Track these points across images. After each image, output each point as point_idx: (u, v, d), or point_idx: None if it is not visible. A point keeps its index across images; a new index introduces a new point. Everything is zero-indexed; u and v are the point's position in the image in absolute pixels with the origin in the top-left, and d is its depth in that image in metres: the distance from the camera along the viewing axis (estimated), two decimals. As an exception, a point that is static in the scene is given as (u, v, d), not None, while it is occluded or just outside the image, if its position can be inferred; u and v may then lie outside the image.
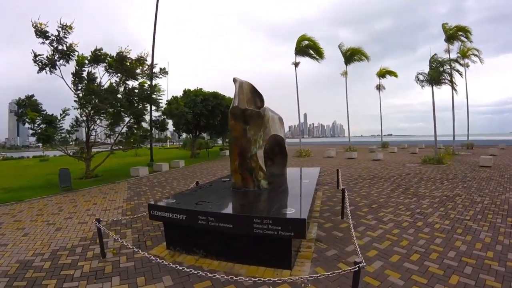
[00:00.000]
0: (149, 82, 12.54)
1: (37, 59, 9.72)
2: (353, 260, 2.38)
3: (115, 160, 21.37)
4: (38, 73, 9.78)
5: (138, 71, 11.56)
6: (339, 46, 23.61)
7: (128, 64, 10.78)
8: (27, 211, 6.81)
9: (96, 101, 10.37)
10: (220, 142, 48.07)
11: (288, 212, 3.28)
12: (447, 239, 4.01)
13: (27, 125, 9.61)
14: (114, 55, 10.98)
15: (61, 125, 10.67)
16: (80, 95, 10.58)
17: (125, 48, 11.04)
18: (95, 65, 10.91)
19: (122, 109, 11.89)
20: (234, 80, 4.50)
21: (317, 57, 19.98)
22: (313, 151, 24.02)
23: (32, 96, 9.55)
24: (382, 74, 29.22)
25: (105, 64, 10.92)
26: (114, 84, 11.36)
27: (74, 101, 10.67)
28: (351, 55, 23.13)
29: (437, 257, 3.47)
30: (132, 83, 11.84)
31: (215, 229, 3.43)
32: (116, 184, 10.44)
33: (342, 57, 23.53)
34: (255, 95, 4.43)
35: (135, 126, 12.83)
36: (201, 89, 22.57)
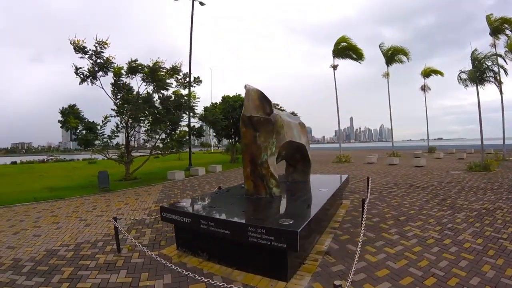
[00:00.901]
0: (182, 91, 13.29)
1: (78, 71, 10.98)
2: (352, 279, 2.30)
3: (157, 164, 22.82)
4: (80, 84, 11.06)
5: (170, 80, 12.38)
6: (379, 46, 22.85)
7: (159, 75, 11.59)
8: (65, 208, 7.65)
9: (131, 109, 11.30)
10: None
11: (286, 222, 3.21)
12: (474, 262, 3.57)
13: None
14: (151, 65, 11.94)
15: (103, 130, 11.86)
16: (119, 103, 11.65)
17: (155, 60, 11.98)
18: (132, 75, 11.93)
19: (159, 116, 12.78)
20: (245, 87, 4.63)
21: (357, 58, 19.55)
22: (354, 157, 23.32)
23: (74, 105, 10.85)
24: (427, 73, 27.52)
25: (142, 74, 11.88)
26: (149, 93, 12.28)
27: (112, 109, 11.78)
28: (393, 55, 22.29)
29: (456, 284, 3.09)
30: (166, 92, 12.68)
31: (215, 234, 3.53)
32: (151, 187, 11.17)
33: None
34: (264, 102, 4.46)
35: (171, 132, 13.66)
36: (239, 94, 23.22)
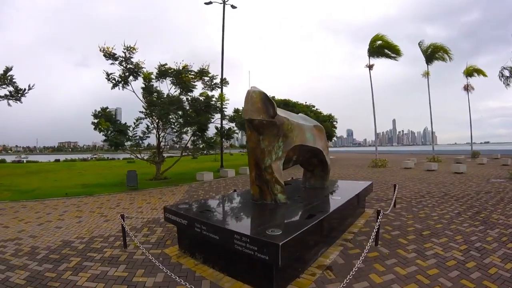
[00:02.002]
0: (209, 93, 13.79)
1: (110, 77, 11.89)
2: None
3: (192, 165, 23.79)
4: (112, 89, 11.97)
5: (197, 83, 12.89)
6: (419, 44, 21.91)
7: (184, 77, 12.14)
8: (91, 204, 8.35)
9: (157, 111, 11.98)
10: None
11: (272, 233, 3.12)
12: (497, 294, 3.20)
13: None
14: (180, 69, 12.58)
15: (135, 132, 12.73)
16: (145, 106, 12.43)
17: (180, 63, 12.62)
18: (162, 79, 12.65)
19: (188, 119, 13.37)
20: (248, 92, 4.63)
21: (394, 55, 18.99)
22: (392, 161, 22.42)
23: (106, 108, 11.80)
24: (470, 73, 25.74)
25: (171, 78, 12.55)
26: (175, 96, 12.92)
27: (140, 111, 12.59)
28: (433, 53, 21.34)
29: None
30: (194, 94, 13.27)
31: (207, 239, 3.62)
32: (178, 187, 11.72)
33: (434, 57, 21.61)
34: (267, 104, 4.38)
35: (199, 134, 14.21)
36: (273, 97, 23.57)
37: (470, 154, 27.97)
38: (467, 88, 26.56)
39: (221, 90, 14.96)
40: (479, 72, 25.78)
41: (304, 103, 34.40)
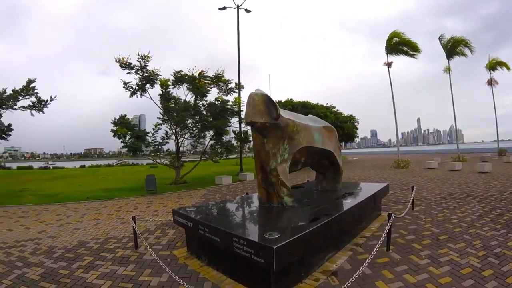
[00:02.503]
0: (225, 97, 14.11)
1: (127, 86, 12.47)
2: None
3: (213, 169, 24.18)
4: (130, 97, 12.56)
5: (212, 88, 13.22)
6: (439, 38, 21.35)
7: (197, 82, 12.49)
8: (110, 207, 8.76)
9: (173, 117, 12.40)
10: None
11: (270, 236, 3.14)
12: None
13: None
14: (196, 75, 12.98)
15: (154, 137, 13.25)
16: (161, 112, 12.90)
17: (193, 68, 13.03)
18: (179, 85, 13.08)
19: (205, 123, 13.71)
20: (250, 95, 4.70)
21: (413, 52, 18.62)
22: (415, 161, 21.69)
23: (125, 115, 12.39)
24: (492, 66, 24.59)
25: (187, 84, 12.97)
26: (190, 101, 13.31)
27: (157, 117, 13.09)
28: (453, 47, 20.78)
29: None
30: (209, 99, 13.62)
31: (210, 241, 3.72)
32: (195, 191, 12.01)
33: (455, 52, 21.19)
34: (269, 106, 4.40)
35: (217, 138, 14.52)
36: (291, 99, 23.77)
37: (496, 152, 26.76)
38: (490, 82, 25.50)
39: (239, 94, 15.25)
40: (503, 65, 24.78)
41: (325, 105, 34.15)
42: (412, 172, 15.86)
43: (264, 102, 4.42)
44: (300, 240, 3.22)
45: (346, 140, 38.07)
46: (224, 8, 16.24)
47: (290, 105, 22.58)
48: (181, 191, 11.91)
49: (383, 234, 4.42)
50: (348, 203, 5.00)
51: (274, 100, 4.49)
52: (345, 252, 4.49)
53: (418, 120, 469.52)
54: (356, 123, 36.71)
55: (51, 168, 43.82)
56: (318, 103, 27.43)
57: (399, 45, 18.63)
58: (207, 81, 13.19)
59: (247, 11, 16.53)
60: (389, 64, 19.31)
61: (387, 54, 19.23)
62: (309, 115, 6.66)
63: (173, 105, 12.96)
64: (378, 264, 4.06)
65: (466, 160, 20.92)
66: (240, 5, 16.15)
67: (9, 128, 12.32)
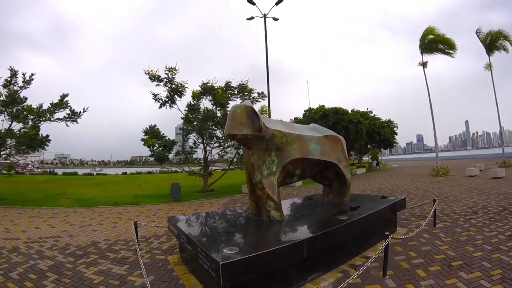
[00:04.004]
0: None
1: (156, 97, 13.61)
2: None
3: (243, 177, 24.89)
4: (159, 108, 13.71)
5: (237, 97, 13.94)
6: (476, 33, 20.49)
7: (216, 92, 13.23)
8: (132, 212, 9.69)
9: (195, 126, 13.26)
10: (366, 158, 49.17)
11: (228, 251, 3.28)
12: None
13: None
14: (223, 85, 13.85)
15: (185, 147, 14.26)
16: (182, 123, 13.86)
17: (213, 79, 13.80)
18: (206, 96, 13.99)
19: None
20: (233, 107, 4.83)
21: (448, 50, 17.94)
22: (456, 168, 20.28)
23: (155, 126, 13.62)
24: None
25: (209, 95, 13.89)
26: (212, 111, 14.09)
27: (180, 128, 14.09)
28: (493, 41, 20.01)
29: None
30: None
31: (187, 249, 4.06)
32: (218, 199, 12.62)
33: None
34: (253, 118, 4.51)
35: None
36: (323, 105, 23.89)
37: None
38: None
39: (268, 102, 15.78)
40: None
41: (366, 110, 33.58)
42: (450, 180, 14.97)
43: (247, 114, 4.54)
44: (258, 259, 3.27)
45: (385, 146, 36.69)
46: (252, 18, 16.99)
47: (321, 111, 22.62)
48: (204, 199, 12.56)
49: (388, 256, 4.23)
50: (346, 219, 4.85)
51: (257, 112, 4.67)
52: (334, 274, 4.37)
53: (466, 122, 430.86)
54: (395, 128, 35.39)
55: (95, 174, 48.14)
56: (354, 109, 27.45)
57: (434, 42, 18.05)
58: (231, 91, 13.96)
59: (275, 19, 17.09)
60: (424, 64, 18.65)
61: (421, 53, 18.67)
62: (312, 124, 6.54)
63: (192, 115, 13.84)
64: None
65: (513, 166, 19.10)
66: (267, 14, 16.81)
67: (47, 138, 14.18)
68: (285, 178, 5.27)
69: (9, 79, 13.43)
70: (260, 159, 4.74)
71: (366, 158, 49.40)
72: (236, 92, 14.27)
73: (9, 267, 4.66)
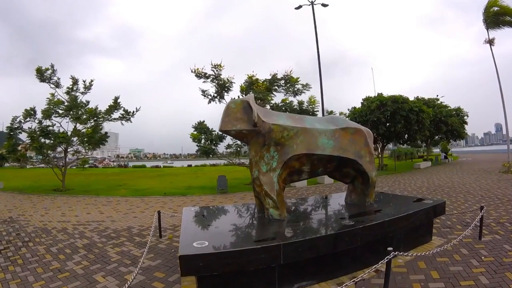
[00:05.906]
0: (292, 98, 15.18)
1: (205, 93, 14.62)
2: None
3: None
4: (208, 104, 14.68)
5: (282, 89, 14.20)
6: None
7: (256, 86, 13.54)
8: (176, 202, 10.92)
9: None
10: (436, 150, 46.79)
11: (197, 244, 3.56)
12: None
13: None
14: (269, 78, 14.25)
15: (235, 141, 15.16)
16: None
17: (252, 72, 14.05)
18: (252, 89, 14.55)
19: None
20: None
21: None
22: None
23: (203, 121, 14.74)
24: None
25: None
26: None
27: None
28: None
29: None
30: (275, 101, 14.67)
31: None
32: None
33: None
34: (249, 112, 4.52)
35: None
36: (381, 93, 23.12)
37: None
38: None
39: (321, 92, 15.65)
40: None
41: (436, 97, 31.23)
42: (519, 179, 12.83)
43: (243, 109, 4.59)
44: (219, 257, 3.45)
45: (453, 137, 33.45)
46: (300, 7, 16.84)
47: (378, 100, 21.51)
48: (249, 192, 13.16)
49: (415, 271, 3.94)
50: (352, 224, 4.51)
51: (253, 106, 4.58)
52: (328, 285, 4.07)
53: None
54: (465, 117, 31.92)
55: (161, 167, 52.78)
56: (418, 97, 26.46)
57: (499, 15, 15.80)
58: (277, 83, 14.28)
59: (324, 5, 16.62)
60: (491, 41, 16.45)
61: (486, 28, 16.46)
62: (329, 116, 6.30)
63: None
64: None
65: None
66: (314, 1, 16.51)
67: (105, 136, 16.80)
68: (291, 175, 5.19)
69: (71, 86, 16.16)
70: (257, 154, 4.76)
71: (437, 150, 46.45)
72: (283, 84, 14.56)
73: (52, 243, 6.01)
